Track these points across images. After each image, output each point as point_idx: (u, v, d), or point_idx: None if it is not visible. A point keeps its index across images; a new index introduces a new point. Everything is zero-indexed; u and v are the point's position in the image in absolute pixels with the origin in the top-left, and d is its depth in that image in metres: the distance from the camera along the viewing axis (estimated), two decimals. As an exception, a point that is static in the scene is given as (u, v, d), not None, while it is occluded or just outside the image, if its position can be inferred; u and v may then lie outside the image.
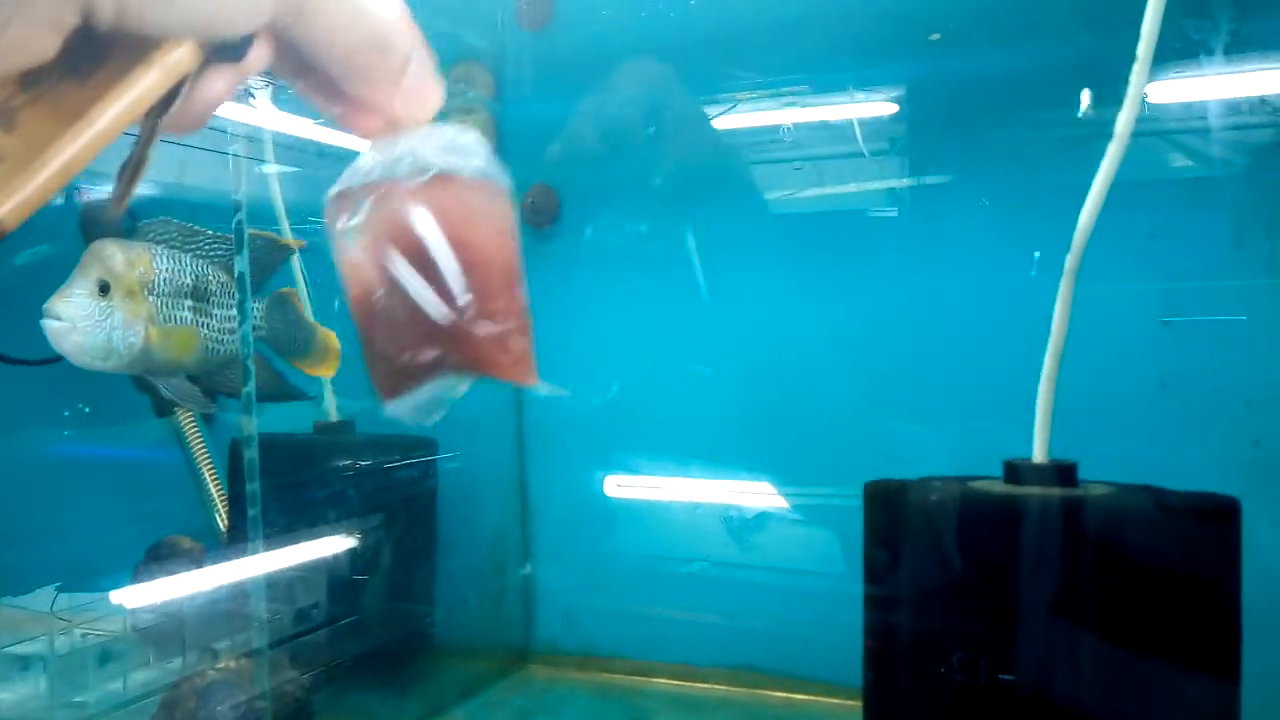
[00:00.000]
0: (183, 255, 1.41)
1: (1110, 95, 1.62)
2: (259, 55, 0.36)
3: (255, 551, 1.28)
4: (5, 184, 0.33)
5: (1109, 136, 1.63)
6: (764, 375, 1.81)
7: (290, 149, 1.89)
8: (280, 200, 1.73)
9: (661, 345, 1.90)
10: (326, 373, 1.74)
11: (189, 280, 1.39)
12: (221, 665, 1.38)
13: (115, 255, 1.26)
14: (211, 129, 1.90)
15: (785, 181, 1.84)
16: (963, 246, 1.70)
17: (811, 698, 1.74)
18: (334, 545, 1.66)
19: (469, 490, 1.91)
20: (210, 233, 1.45)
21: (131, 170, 0.38)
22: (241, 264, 1.29)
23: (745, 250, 1.85)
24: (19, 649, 1.68)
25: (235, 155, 1.39)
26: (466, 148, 0.44)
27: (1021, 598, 0.99)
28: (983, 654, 0.98)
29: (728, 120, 1.83)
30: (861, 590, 1.67)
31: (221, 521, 2.00)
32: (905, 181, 1.75)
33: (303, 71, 0.37)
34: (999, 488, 1.06)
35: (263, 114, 1.62)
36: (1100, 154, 1.63)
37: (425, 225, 0.43)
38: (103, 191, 2.21)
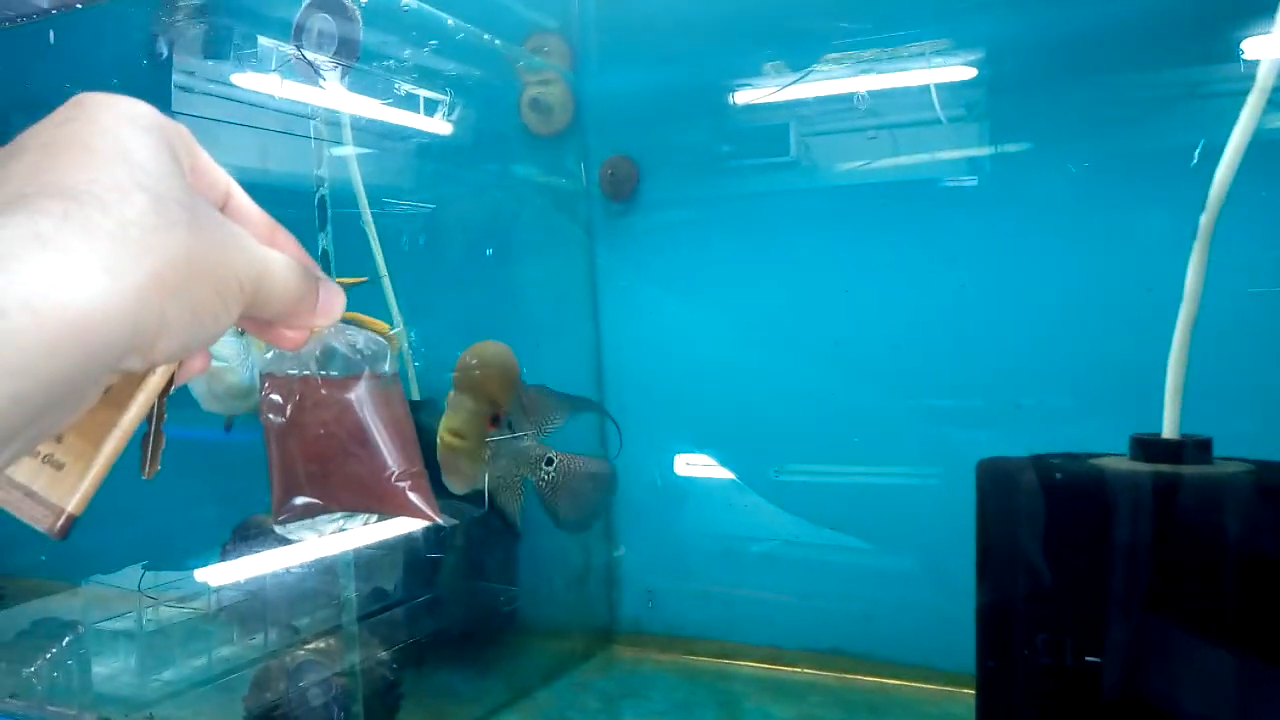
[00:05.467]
0: None
1: (1202, 52, 1.53)
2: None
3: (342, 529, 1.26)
4: (71, 485, 0.44)
5: (1199, 97, 1.54)
6: (844, 352, 1.75)
7: (358, 130, 1.88)
8: (359, 180, 1.71)
9: (742, 320, 1.84)
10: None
11: None
12: (311, 646, 1.37)
13: None
14: (288, 112, 1.90)
15: (861, 151, 1.76)
16: (1050, 215, 1.61)
17: (903, 683, 1.68)
18: (414, 524, 1.64)
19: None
20: None
21: (153, 445, 0.50)
22: (325, 240, 1.27)
23: (826, 224, 1.78)
24: (109, 625, 1.71)
25: (316, 132, 1.37)
26: (370, 346, 0.59)
27: (1153, 581, 0.92)
28: (1109, 644, 0.92)
29: (801, 89, 1.76)
30: (952, 572, 1.62)
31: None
32: (986, 149, 1.66)
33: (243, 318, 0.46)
34: (1126, 465, 0.99)
35: (337, 96, 1.60)
36: (1192, 114, 1.54)
37: (363, 411, 0.59)
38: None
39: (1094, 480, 0.95)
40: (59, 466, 0.44)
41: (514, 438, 1.36)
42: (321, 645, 1.37)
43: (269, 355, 0.63)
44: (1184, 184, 1.51)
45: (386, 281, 1.77)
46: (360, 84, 1.67)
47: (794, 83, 1.75)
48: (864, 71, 1.69)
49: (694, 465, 1.90)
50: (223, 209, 0.48)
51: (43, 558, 2.00)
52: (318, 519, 0.67)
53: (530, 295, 1.96)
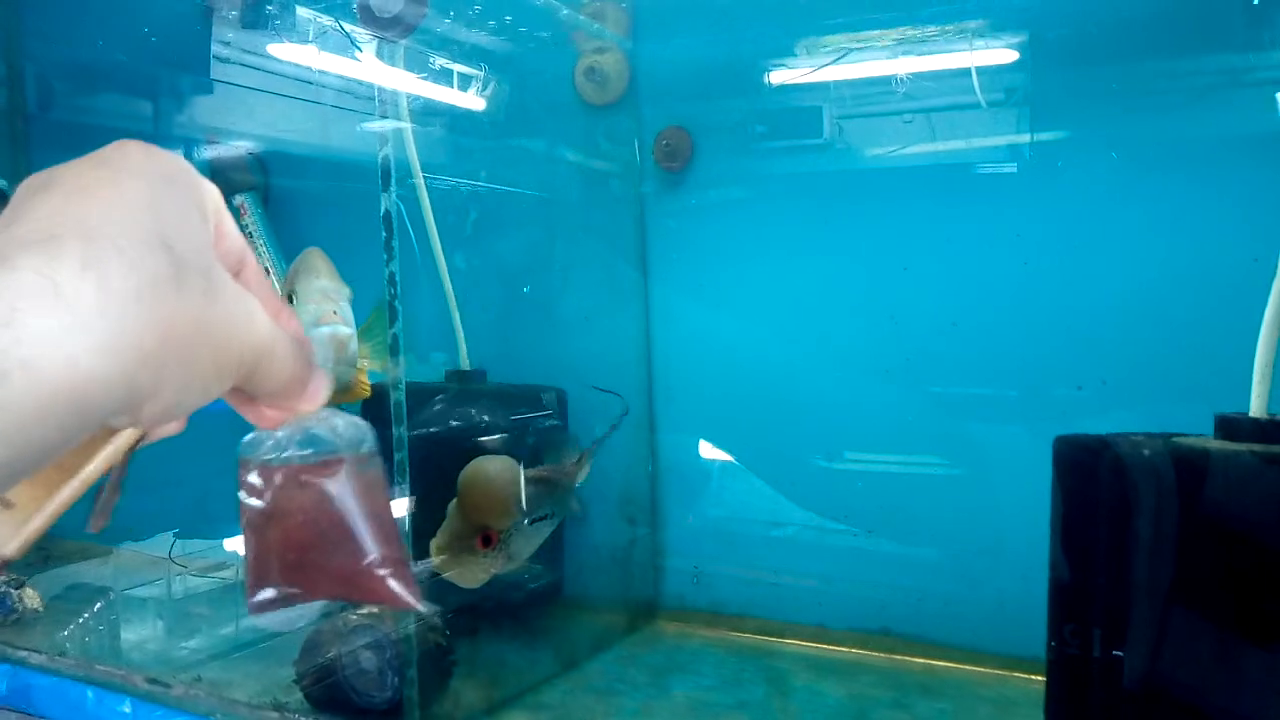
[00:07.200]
0: None
1: (1244, 40, 1.49)
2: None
3: (403, 495, 1.25)
4: (14, 528, 0.42)
5: (1242, 85, 1.50)
6: (900, 333, 1.72)
7: (414, 102, 1.87)
8: (414, 153, 1.69)
9: (795, 300, 1.82)
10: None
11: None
12: (363, 611, 1.37)
13: (322, 259, 1.28)
14: (341, 90, 1.87)
15: (901, 132, 1.72)
16: (1089, 202, 1.58)
17: (954, 665, 1.66)
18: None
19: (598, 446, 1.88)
20: None
21: (107, 498, 0.48)
22: (388, 200, 1.26)
23: (880, 203, 1.75)
24: (139, 592, 1.72)
25: (380, 98, 1.36)
26: (349, 429, 0.58)
27: (1245, 562, 0.90)
28: (1206, 628, 0.90)
29: (839, 70, 1.72)
30: (1006, 555, 1.60)
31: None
32: (1025, 135, 1.63)
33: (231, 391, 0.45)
34: (1214, 444, 0.96)
35: (374, 68, 1.58)
36: (1234, 103, 1.50)
37: (342, 499, 0.58)
38: (231, 145, 2.24)
39: (1185, 458, 0.92)
40: (7, 506, 0.42)
41: (539, 527, 1.37)
42: (375, 610, 1.36)
43: (247, 438, 0.60)
44: (1239, 169, 1.48)
45: (439, 255, 1.76)
46: (413, 55, 1.65)
47: (835, 61, 1.72)
48: (906, 52, 1.65)
49: (741, 447, 1.88)
50: (235, 276, 0.46)
51: (93, 518, 2.01)
52: (296, 606, 0.67)
53: (580, 267, 1.95)
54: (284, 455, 0.59)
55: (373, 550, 0.59)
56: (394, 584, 0.59)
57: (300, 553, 0.60)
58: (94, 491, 0.47)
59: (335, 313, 1.20)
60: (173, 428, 0.47)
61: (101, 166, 0.39)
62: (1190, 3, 1.50)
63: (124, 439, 0.44)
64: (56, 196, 0.37)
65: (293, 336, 0.47)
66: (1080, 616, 1.02)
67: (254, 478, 0.60)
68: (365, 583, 0.59)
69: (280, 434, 0.58)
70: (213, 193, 0.44)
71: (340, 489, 0.59)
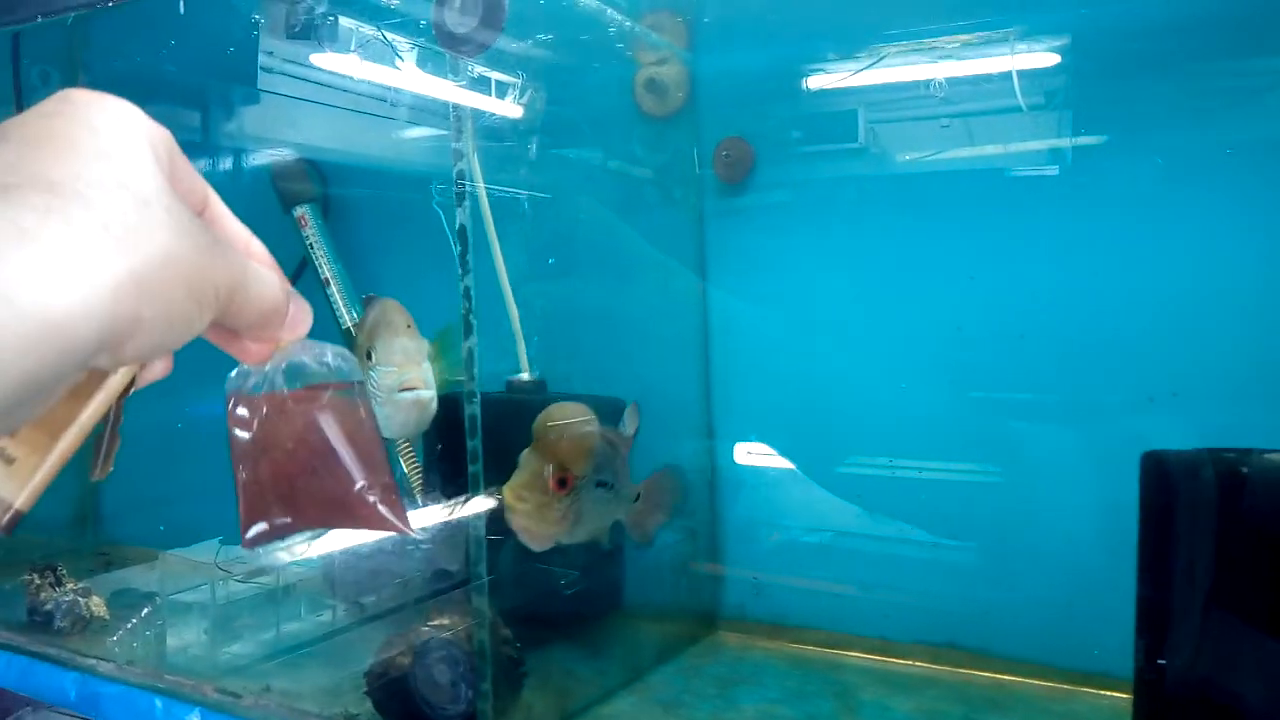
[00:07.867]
0: None
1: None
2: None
3: (478, 507, 1.26)
4: (20, 481, 0.43)
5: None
6: (966, 342, 1.70)
7: (425, 111, 1.89)
8: (477, 165, 1.69)
9: (856, 309, 1.81)
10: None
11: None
12: (435, 622, 1.38)
13: (402, 315, 1.29)
14: (395, 101, 1.88)
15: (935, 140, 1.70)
16: (1133, 209, 1.55)
17: (1021, 679, 1.64)
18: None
19: (657, 454, 1.87)
20: None
21: (107, 446, 0.49)
22: (463, 216, 1.27)
23: (945, 212, 1.73)
24: (183, 597, 1.74)
25: (454, 112, 1.37)
26: (337, 360, 0.59)
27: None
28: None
29: (876, 74, 1.71)
30: (1077, 569, 1.58)
31: (408, 474, 2.02)
32: (1067, 139, 1.61)
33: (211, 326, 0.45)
34: (1312, 462, 0.94)
35: (442, 84, 1.59)
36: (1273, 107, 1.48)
37: (328, 426, 0.58)
38: (287, 155, 2.27)
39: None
40: (9, 461, 0.43)
41: (602, 495, 1.37)
42: (445, 621, 1.37)
43: (234, 373, 0.61)
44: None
45: (501, 266, 1.77)
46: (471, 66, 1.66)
47: (870, 67, 1.71)
48: (947, 57, 1.64)
49: (802, 457, 1.87)
50: (200, 216, 0.47)
51: (161, 528, 2.05)
52: (288, 538, 0.67)
53: (640, 278, 1.95)
54: (271, 387, 0.59)
55: (360, 476, 0.60)
56: (383, 509, 0.60)
57: (290, 482, 0.60)
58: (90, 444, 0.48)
59: (419, 376, 1.23)
60: (159, 369, 0.49)
61: (51, 117, 0.40)
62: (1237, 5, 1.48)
63: (115, 382, 0.45)
64: (7, 152, 0.38)
65: (266, 267, 0.48)
66: (1162, 637, 1.00)
67: (241, 410, 0.61)
68: (355, 508, 0.60)
69: (267, 367, 0.58)
70: (166, 136, 0.45)
71: (326, 415, 0.59)
